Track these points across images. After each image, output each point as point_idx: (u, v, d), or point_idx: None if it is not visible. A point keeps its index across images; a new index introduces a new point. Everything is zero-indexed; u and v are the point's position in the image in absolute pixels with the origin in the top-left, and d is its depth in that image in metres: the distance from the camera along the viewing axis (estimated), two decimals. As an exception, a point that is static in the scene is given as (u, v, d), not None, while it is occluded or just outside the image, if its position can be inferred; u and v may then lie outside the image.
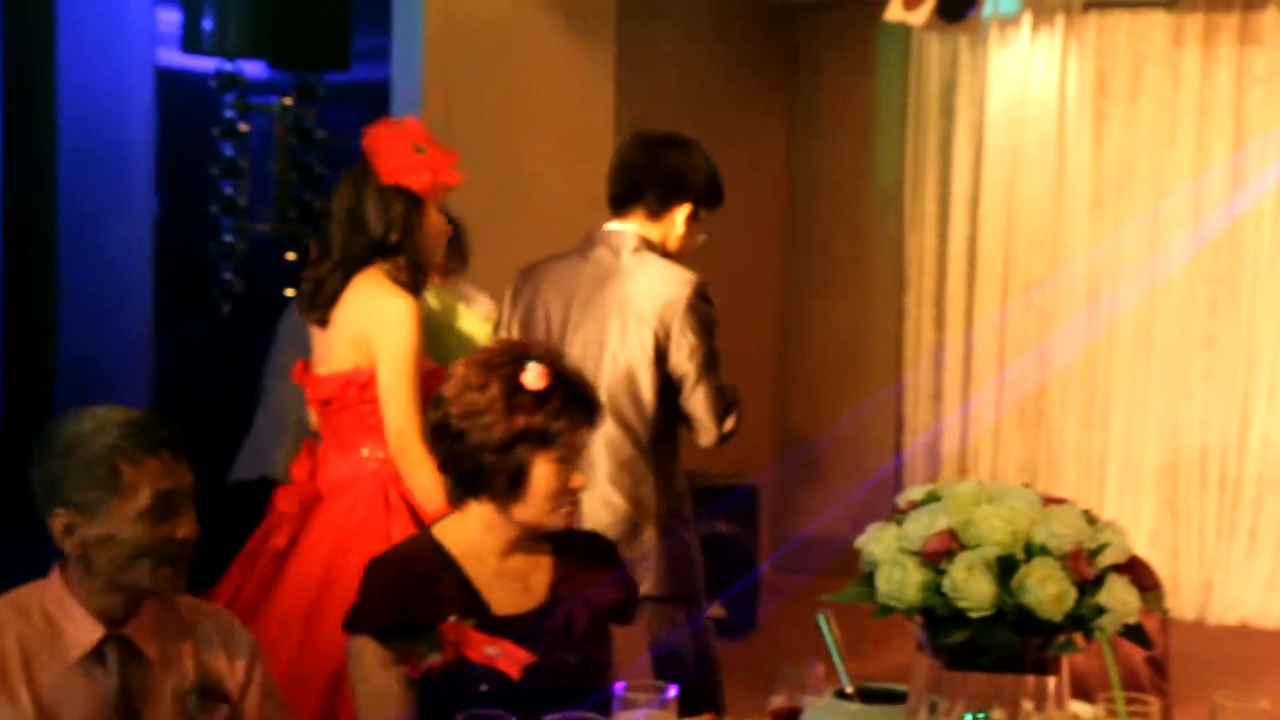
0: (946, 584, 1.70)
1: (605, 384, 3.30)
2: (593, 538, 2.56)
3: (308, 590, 3.11)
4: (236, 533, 3.92)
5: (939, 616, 1.72)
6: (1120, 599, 1.69)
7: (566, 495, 2.35)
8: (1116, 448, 6.50)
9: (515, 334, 3.42)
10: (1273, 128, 6.20)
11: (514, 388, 2.31)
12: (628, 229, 3.38)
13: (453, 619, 2.26)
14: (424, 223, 3.25)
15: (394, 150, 3.23)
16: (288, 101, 4.43)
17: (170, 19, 4.41)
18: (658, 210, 3.37)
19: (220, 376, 4.63)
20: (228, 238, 4.36)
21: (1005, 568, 1.69)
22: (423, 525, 2.98)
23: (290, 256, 4.46)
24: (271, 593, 3.16)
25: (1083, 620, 1.70)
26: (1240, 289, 6.28)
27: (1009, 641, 1.69)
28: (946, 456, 6.68)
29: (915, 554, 1.74)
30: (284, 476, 3.77)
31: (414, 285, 3.23)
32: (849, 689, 2.03)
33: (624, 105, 5.72)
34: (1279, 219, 6.20)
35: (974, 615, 1.69)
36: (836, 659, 2.08)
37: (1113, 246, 6.51)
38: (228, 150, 4.36)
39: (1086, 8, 6.33)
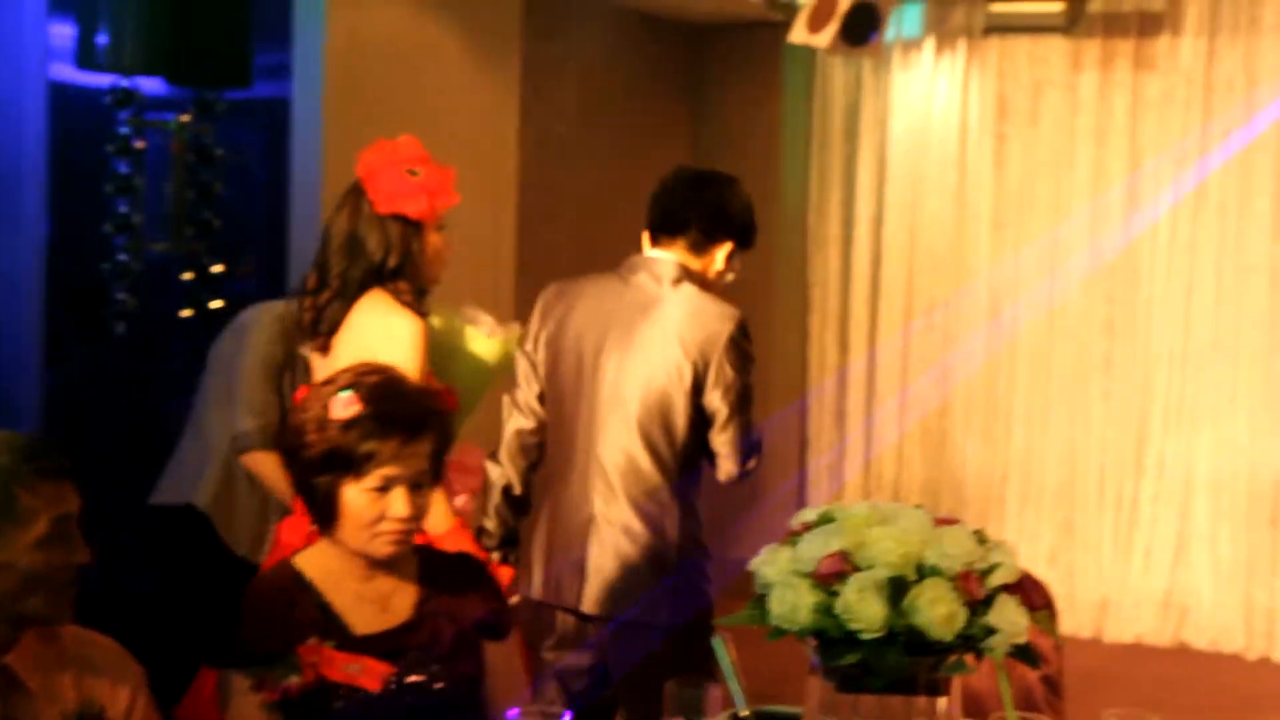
0: (839, 606, 1.70)
1: (639, 411, 3.31)
2: (462, 558, 2.55)
3: None
4: (160, 556, 3.93)
5: (831, 638, 1.72)
6: (1010, 619, 1.70)
7: (386, 523, 2.29)
8: (1017, 467, 6.58)
9: (541, 350, 3.41)
10: (1167, 152, 6.32)
11: (325, 414, 2.29)
12: (670, 258, 3.39)
13: (312, 641, 2.26)
14: (424, 246, 3.23)
15: (388, 176, 3.21)
16: (185, 118, 4.36)
17: (64, 33, 4.32)
18: (702, 244, 3.41)
19: (113, 398, 4.54)
20: (122, 257, 4.27)
21: (897, 589, 1.70)
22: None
23: (187, 276, 4.39)
24: None
25: (973, 640, 1.71)
26: (1136, 311, 6.39)
27: (901, 663, 1.69)
28: (850, 475, 6.72)
29: (808, 576, 1.74)
30: (208, 505, 3.86)
31: (417, 308, 3.19)
32: (744, 712, 2.03)
33: (528, 125, 5.70)
34: (1174, 242, 6.31)
35: (866, 637, 1.69)
36: (732, 681, 2.08)
37: (1013, 268, 6.59)
38: (123, 168, 4.27)
39: (987, 32, 6.42)
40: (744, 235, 3.48)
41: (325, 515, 2.31)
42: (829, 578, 1.72)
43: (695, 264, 3.42)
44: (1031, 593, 1.75)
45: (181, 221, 4.36)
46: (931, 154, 6.66)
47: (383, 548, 2.30)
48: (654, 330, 3.34)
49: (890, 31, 6.34)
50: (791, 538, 1.82)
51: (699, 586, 3.34)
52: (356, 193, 3.23)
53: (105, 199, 4.30)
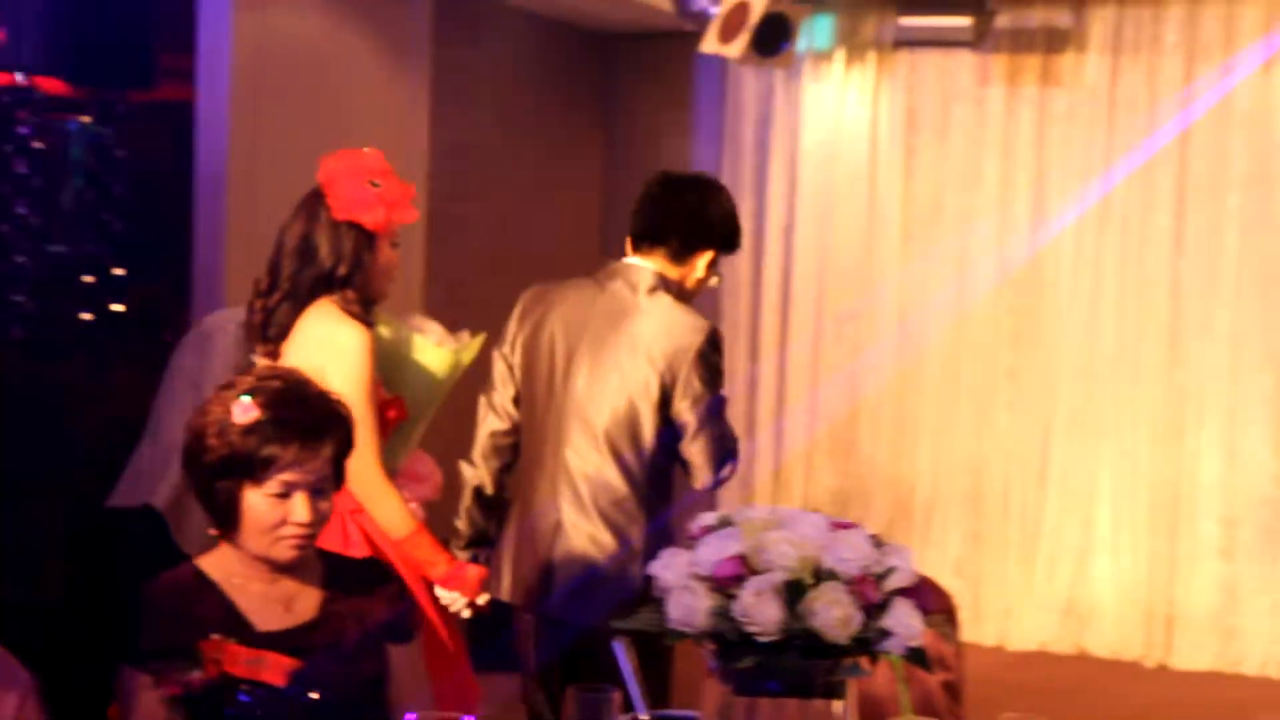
0: (736, 609, 1.70)
1: (607, 422, 3.34)
2: (369, 562, 2.55)
3: None
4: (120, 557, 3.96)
5: (729, 641, 1.72)
6: (905, 623, 1.71)
7: (287, 528, 2.29)
8: (925, 476, 6.64)
9: (518, 353, 3.46)
10: (1071, 166, 6.42)
11: (225, 420, 2.28)
12: (647, 266, 3.41)
13: (214, 637, 2.25)
14: (375, 258, 3.21)
15: (349, 184, 3.20)
16: (86, 119, 4.29)
17: (-38, 31, 4.24)
18: (682, 253, 3.42)
19: (11, 401, 4.46)
20: (20, 259, 4.21)
21: (794, 592, 1.70)
22: (380, 555, 3.07)
23: (87, 279, 4.32)
24: None
25: (868, 643, 1.71)
26: (1041, 323, 6.47)
27: (797, 666, 1.70)
28: (759, 483, 6.75)
29: (706, 579, 1.74)
30: (166, 507, 3.73)
31: (364, 318, 3.19)
32: (643, 716, 2.03)
33: (439, 131, 5.68)
34: (1078, 256, 6.40)
35: (763, 640, 1.69)
36: (632, 686, 2.08)
37: (922, 279, 6.66)
38: (21, 168, 4.21)
39: (897, 45, 6.48)
40: (726, 242, 3.48)
41: (226, 520, 2.30)
42: (727, 581, 1.72)
43: (675, 272, 3.43)
44: (927, 597, 1.76)
45: (82, 224, 4.30)
46: (842, 165, 6.72)
47: (284, 552, 2.30)
48: (624, 342, 3.36)
49: (801, 43, 6.39)
50: (690, 542, 1.82)
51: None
52: (315, 198, 3.23)
53: (3, 200, 4.23)
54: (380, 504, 3.15)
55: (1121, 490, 6.34)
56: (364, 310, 3.21)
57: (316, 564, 2.40)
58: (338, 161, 3.25)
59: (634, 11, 6.31)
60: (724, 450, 3.42)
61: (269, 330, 3.22)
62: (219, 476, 2.27)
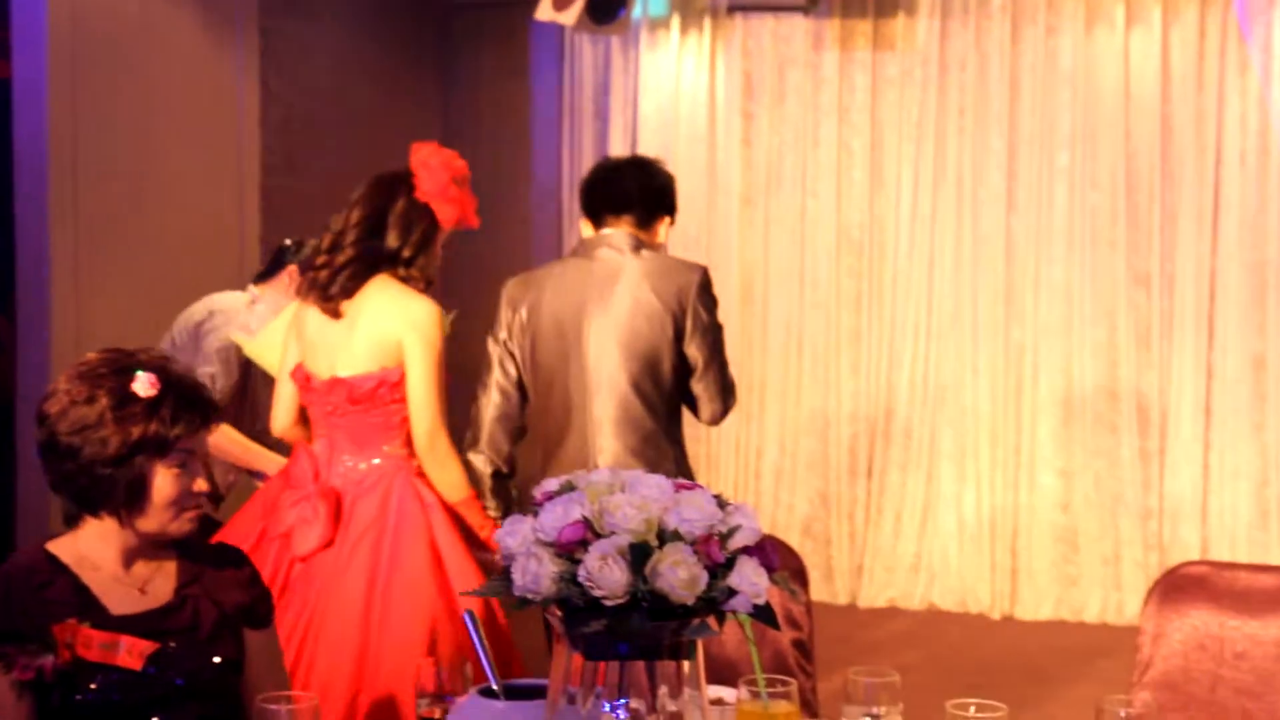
0: (581, 574, 1.68)
1: (629, 365, 3.65)
2: (222, 547, 2.49)
3: (358, 594, 3.27)
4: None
5: (575, 607, 1.70)
6: (750, 581, 1.71)
7: (191, 499, 2.30)
8: (772, 439, 6.70)
9: (517, 336, 3.71)
10: (905, 128, 6.51)
11: (124, 398, 2.23)
12: (621, 231, 3.71)
13: (68, 621, 2.19)
14: (434, 250, 3.45)
15: (439, 174, 3.45)
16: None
17: None
18: (647, 220, 3.75)
19: None
20: None
21: (639, 555, 1.68)
22: (456, 516, 3.38)
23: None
24: (313, 592, 3.29)
25: (715, 603, 1.70)
26: (882, 284, 6.57)
27: (644, 628, 1.68)
28: (608, 454, 6.74)
29: (550, 545, 1.72)
30: None
31: (429, 296, 3.42)
32: (495, 686, 2.00)
33: (271, 104, 5.55)
34: (914, 217, 6.50)
35: (609, 604, 1.67)
36: (483, 656, 2.05)
37: (762, 243, 6.70)
38: None
39: (731, 11, 6.50)
40: (674, 208, 3.84)
41: (134, 501, 2.25)
42: (571, 546, 1.70)
43: (641, 237, 3.73)
44: (773, 555, 1.75)
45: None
46: (681, 131, 6.72)
47: (185, 525, 2.30)
48: (630, 290, 3.66)
49: (636, 10, 6.37)
50: (533, 507, 1.79)
51: None
52: (395, 179, 3.45)
53: None
54: (445, 468, 3.40)
55: (963, 447, 6.47)
56: (424, 290, 3.42)
57: (170, 548, 2.35)
58: (429, 151, 3.48)
59: (468, -21, 6.23)
60: (727, 383, 3.78)
61: (331, 288, 3.39)
62: (130, 456, 2.23)
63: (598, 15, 5.83)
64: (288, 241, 4.39)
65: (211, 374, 4.19)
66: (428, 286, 3.44)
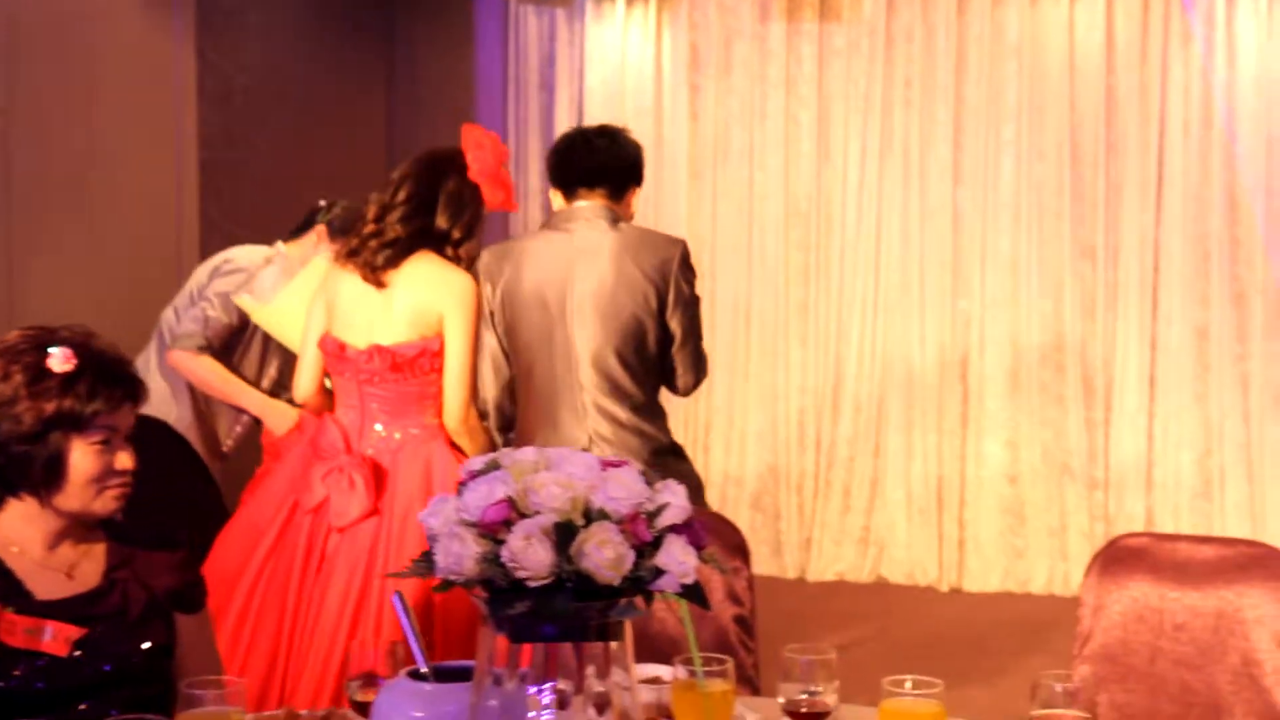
0: (505, 554, 1.65)
1: (615, 338, 3.68)
2: (154, 527, 2.42)
3: (417, 550, 3.17)
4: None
5: (499, 588, 1.66)
6: (678, 560, 1.67)
7: (114, 477, 2.24)
8: (720, 413, 6.68)
9: (498, 310, 3.70)
10: (852, 100, 6.48)
11: (39, 373, 2.18)
12: (597, 204, 3.71)
13: None
14: (480, 233, 3.55)
15: (489, 157, 3.53)
16: None
17: None
18: (619, 192, 3.76)
19: None
20: None
21: (564, 534, 1.65)
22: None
23: None
24: (361, 563, 3.34)
25: (642, 582, 1.67)
26: (830, 257, 6.55)
27: (569, 609, 1.65)
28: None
29: (473, 525, 1.68)
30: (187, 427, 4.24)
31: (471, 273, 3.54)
32: (424, 669, 1.97)
33: (208, 80, 5.46)
34: (862, 188, 6.48)
35: (534, 584, 1.64)
36: (412, 639, 2.01)
37: (710, 216, 6.67)
38: None
39: (677, -18, 6.45)
40: (642, 179, 3.87)
41: (51, 478, 2.20)
42: (495, 526, 1.66)
43: (615, 210, 3.75)
44: (700, 533, 1.72)
45: None
46: (628, 105, 6.68)
47: (109, 504, 2.24)
48: (612, 264, 3.68)
49: (582, -19, 6.31)
50: (460, 487, 1.75)
51: (698, 483, 3.84)
52: (450, 160, 3.51)
53: None
54: (475, 439, 3.51)
55: (911, 419, 6.47)
56: (467, 269, 3.51)
57: (98, 530, 2.30)
58: (483, 134, 3.57)
59: (409, -50, 6.15)
60: (702, 355, 3.83)
61: (377, 259, 3.45)
62: (44, 433, 2.17)
63: (541, -14, 5.77)
64: (321, 202, 4.43)
65: (207, 313, 4.21)
66: (469, 267, 3.53)
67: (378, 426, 3.47)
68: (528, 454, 1.74)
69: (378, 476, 3.41)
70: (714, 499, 6.62)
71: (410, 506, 3.35)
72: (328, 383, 3.66)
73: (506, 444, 3.77)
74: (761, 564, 6.31)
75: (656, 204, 6.67)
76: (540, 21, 6.74)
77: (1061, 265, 6.28)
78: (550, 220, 3.80)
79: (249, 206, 5.74)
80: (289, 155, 5.97)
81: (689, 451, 6.57)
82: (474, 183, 3.52)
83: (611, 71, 6.68)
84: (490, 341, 3.76)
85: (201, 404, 4.39)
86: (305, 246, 4.36)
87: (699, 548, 1.71)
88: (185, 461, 4.26)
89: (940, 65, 6.37)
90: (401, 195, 3.48)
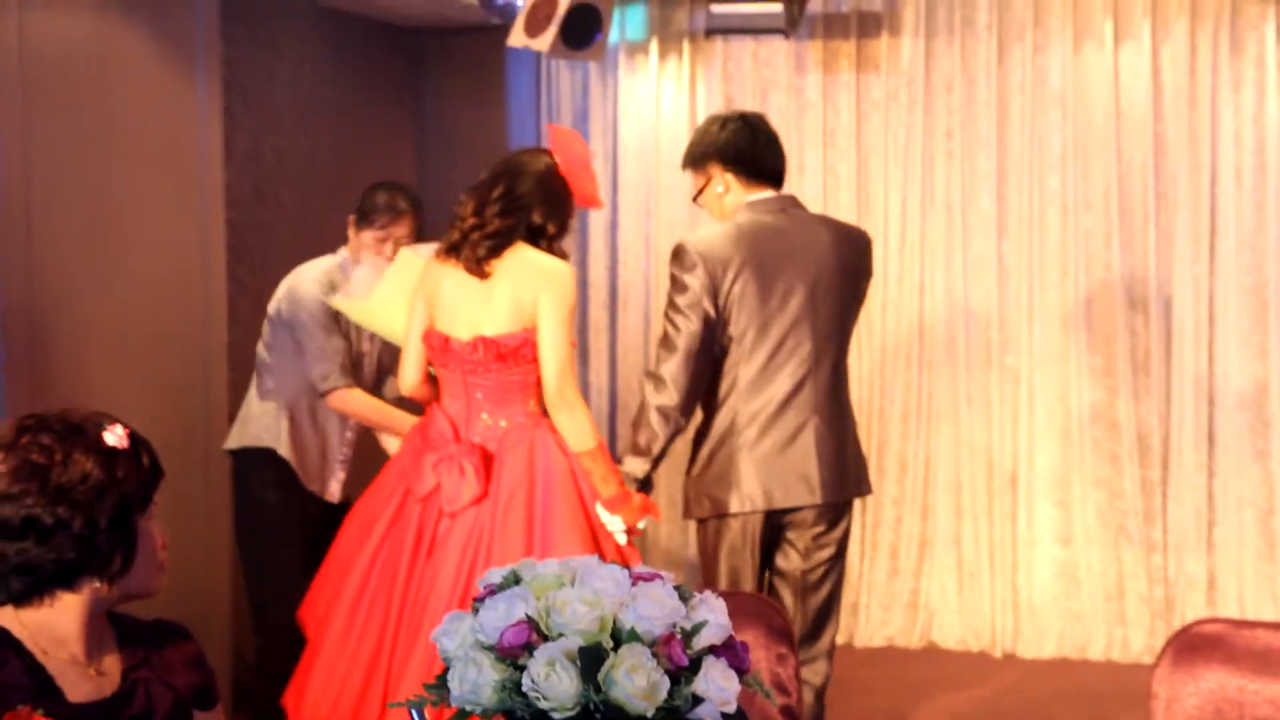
0: (526, 682, 1.48)
1: (832, 328, 3.94)
2: (159, 622, 2.27)
3: (518, 537, 3.50)
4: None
5: (521, 719, 1.50)
6: (718, 685, 1.50)
7: (163, 552, 2.15)
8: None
9: (723, 297, 3.81)
10: (892, 152, 6.32)
11: (105, 453, 2.04)
12: (790, 196, 4.02)
13: (22, 709, 1.96)
14: (570, 228, 3.72)
15: (578, 153, 3.72)
16: None
17: None
18: (782, 182, 4.02)
19: None
20: None
21: (590, 660, 1.48)
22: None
23: None
24: (470, 548, 3.52)
25: (678, 712, 1.50)
26: (872, 312, 6.34)
27: (600, 742, 1.48)
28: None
29: (491, 649, 1.51)
30: (287, 451, 4.44)
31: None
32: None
33: (236, 134, 5.36)
34: (904, 243, 6.31)
35: (558, 716, 1.47)
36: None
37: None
38: None
39: (710, 34, 6.31)
40: None
41: (128, 557, 2.08)
42: (514, 650, 1.50)
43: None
44: (743, 654, 1.55)
45: None
46: (662, 159, 6.54)
47: (161, 579, 2.16)
48: (831, 253, 3.95)
49: (613, 34, 6.19)
50: (476, 604, 1.59)
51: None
52: (539, 158, 3.70)
53: None
54: (574, 417, 3.58)
55: (959, 479, 6.27)
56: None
57: (110, 626, 2.15)
58: (571, 134, 3.79)
59: (437, 5, 6.03)
60: None
61: (478, 252, 3.59)
62: (124, 516, 2.06)
63: (573, 41, 5.64)
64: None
65: (324, 344, 4.38)
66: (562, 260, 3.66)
67: (484, 415, 3.62)
68: (551, 567, 1.58)
69: (486, 462, 3.57)
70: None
71: (515, 491, 3.54)
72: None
73: (675, 433, 3.87)
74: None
75: (693, 260, 6.51)
76: (573, 76, 6.62)
77: (1112, 319, 6.08)
78: (755, 205, 3.92)
79: (278, 266, 5.61)
80: (319, 214, 5.86)
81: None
82: (564, 178, 3.67)
83: (645, 125, 6.55)
84: (691, 327, 3.79)
85: (303, 429, 4.51)
86: (353, 243, 4.55)
87: (741, 671, 1.54)
88: (296, 488, 4.47)
89: (981, 115, 6.21)
90: (498, 191, 3.62)
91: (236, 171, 5.35)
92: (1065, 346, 6.13)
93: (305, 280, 4.47)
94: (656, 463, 3.87)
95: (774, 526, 3.92)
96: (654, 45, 6.50)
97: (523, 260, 3.59)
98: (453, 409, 3.65)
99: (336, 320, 4.39)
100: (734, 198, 3.97)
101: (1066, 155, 6.11)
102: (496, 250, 3.59)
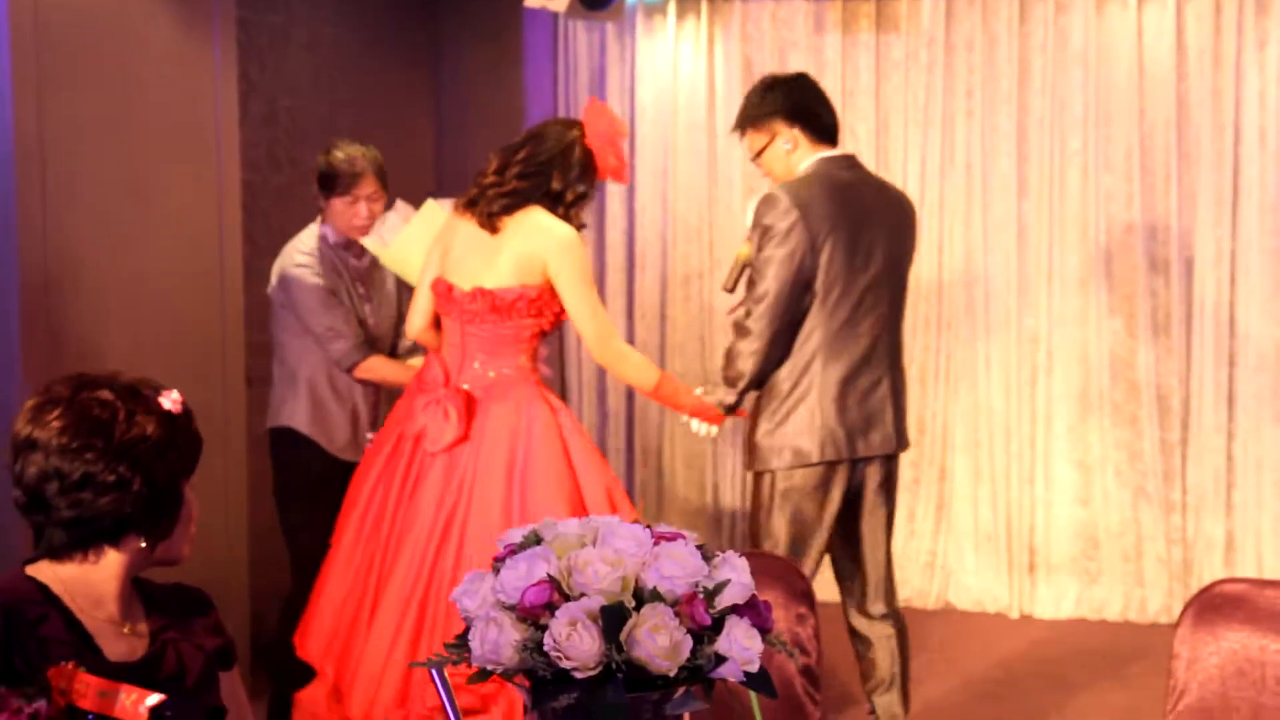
0: (548, 641, 1.48)
1: (896, 289, 4.09)
2: (179, 587, 2.28)
3: (498, 481, 3.65)
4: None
5: (542, 679, 1.50)
6: (741, 645, 1.50)
7: (193, 524, 2.19)
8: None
9: (824, 261, 3.90)
10: (912, 113, 6.28)
11: (164, 416, 2.08)
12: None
13: (66, 665, 1.95)
14: (590, 198, 3.80)
15: (607, 128, 3.79)
16: None
17: None
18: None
19: None
20: None
21: (613, 619, 1.47)
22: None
23: None
24: (451, 483, 3.69)
25: (701, 671, 1.50)
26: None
27: (621, 702, 1.48)
28: (610, 455, 6.54)
29: (512, 608, 1.51)
30: (306, 426, 4.50)
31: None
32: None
33: (253, 98, 5.35)
34: (923, 204, 6.26)
35: (581, 675, 1.47)
36: (452, 709, 1.85)
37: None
38: None
39: (728, -6, 6.27)
40: None
41: (173, 520, 2.12)
42: (536, 610, 1.50)
43: None
44: (765, 613, 1.55)
45: None
46: (680, 119, 6.51)
47: (189, 547, 2.19)
48: (897, 212, 4.13)
49: (631, -6, 6.15)
50: (496, 563, 1.59)
51: None
52: (569, 127, 3.79)
53: None
54: (627, 363, 3.83)
55: (977, 440, 6.25)
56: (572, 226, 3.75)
57: (134, 591, 2.16)
58: (602, 107, 3.84)
59: (454, -34, 6.00)
60: None
61: (493, 206, 3.72)
62: (176, 479, 2.10)
63: (590, 1, 5.61)
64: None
65: (328, 324, 4.44)
66: (579, 230, 3.76)
67: (476, 364, 3.75)
68: (572, 526, 1.58)
69: (469, 407, 3.70)
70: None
71: (498, 437, 3.67)
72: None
73: (762, 377, 4.01)
74: (825, 589, 6.11)
75: (711, 223, 6.50)
76: (590, 37, 6.59)
77: (1133, 281, 6.04)
78: (830, 162, 4.01)
79: (294, 229, 5.61)
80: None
81: (748, 476, 6.46)
82: (589, 150, 3.76)
83: (663, 86, 6.52)
84: (784, 276, 3.88)
85: (327, 404, 4.56)
86: (326, 214, 4.58)
87: (764, 630, 1.54)
88: (321, 460, 4.53)
89: (1002, 75, 6.16)
90: (522, 154, 3.73)
91: (252, 134, 5.34)
92: (1085, 308, 6.10)
93: (291, 262, 4.52)
94: (743, 395, 4.04)
95: (854, 478, 4.08)
96: (672, 6, 6.46)
97: (533, 222, 3.70)
98: (449, 356, 3.79)
99: (333, 294, 4.46)
100: (801, 154, 4.05)
101: (1088, 115, 6.06)
102: (509, 209, 3.71)
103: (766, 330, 3.93)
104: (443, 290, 3.79)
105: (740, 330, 3.98)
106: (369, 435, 4.65)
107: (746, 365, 3.98)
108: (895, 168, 6.30)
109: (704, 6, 6.44)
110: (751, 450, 4.08)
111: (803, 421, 3.97)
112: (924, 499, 6.32)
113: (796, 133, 4.03)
